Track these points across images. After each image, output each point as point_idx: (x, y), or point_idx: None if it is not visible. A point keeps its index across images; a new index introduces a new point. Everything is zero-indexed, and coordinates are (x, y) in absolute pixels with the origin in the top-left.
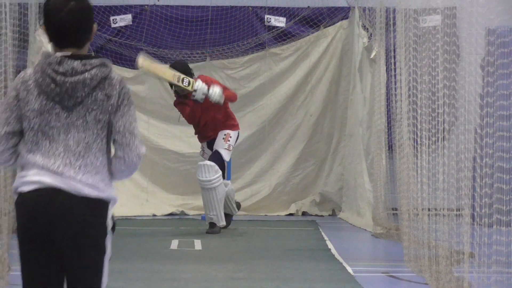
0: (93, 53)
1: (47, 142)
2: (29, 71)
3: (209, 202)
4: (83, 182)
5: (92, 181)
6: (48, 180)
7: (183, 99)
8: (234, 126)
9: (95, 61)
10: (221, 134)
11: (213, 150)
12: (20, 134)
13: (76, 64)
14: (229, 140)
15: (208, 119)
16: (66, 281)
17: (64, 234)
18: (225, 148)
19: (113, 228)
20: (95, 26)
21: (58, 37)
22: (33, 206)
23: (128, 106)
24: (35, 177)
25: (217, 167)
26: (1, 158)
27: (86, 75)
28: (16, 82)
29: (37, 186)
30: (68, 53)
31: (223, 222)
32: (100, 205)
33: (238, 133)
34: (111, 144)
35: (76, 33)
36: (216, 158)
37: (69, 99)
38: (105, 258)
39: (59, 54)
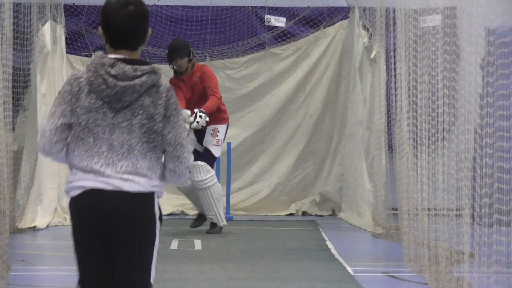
0: (147, 58)
1: (92, 139)
2: (82, 69)
3: (206, 202)
4: (124, 179)
5: (132, 178)
6: (91, 183)
7: (178, 81)
8: (223, 120)
9: (145, 68)
10: (208, 130)
11: (203, 148)
12: (71, 128)
13: (128, 68)
14: (217, 135)
15: (200, 106)
16: (117, 272)
17: (116, 229)
18: (214, 144)
19: (160, 218)
20: (149, 30)
21: (114, 39)
22: (83, 209)
23: (177, 116)
24: (80, 182)
25: (208, 167)
26: (54, 148)
27: (136, 81)
28: (70, 78)
29: (84, 189)
30: (121, 56)
31: (223, 222)
32: (144, 199)
33: (228, 126)
34: (160, 152)
35: (132, 36)
36: (207, 156)
37: (118, 101)
38: (154, 247)
39: (112, 56)
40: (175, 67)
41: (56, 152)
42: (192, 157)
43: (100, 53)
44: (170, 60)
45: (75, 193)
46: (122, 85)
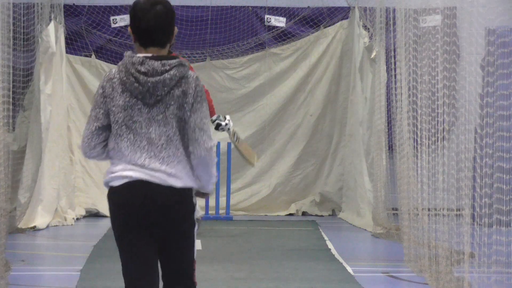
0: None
1: (131, 135)
2: (114, 70)
3: None
4: (167, 172)
5: (174, 171)
6: (135, 174)
7: None
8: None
9: (173, 62)
10: None
11: None
12: (109, 128)
13: (157, 64)
14: None
15: None
16: (162, 260)
17: (159, 219)
18: None
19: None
20: (176, 28)
21: (144, 38)
22: (126, 199)
23: (201, 103)
24: (123, 172)
25: None
26: (94, 152)
27: (166, 75)
28: (103, 80)
29: (127, 180)
30: (150, 54)
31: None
32: (185, 192)
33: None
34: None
35: (161, 34)
36: None
37: (150, 96)
38: (194, 231)
39: (141, 55)
40: None
41: (97, 155)
42: (213, 142)
43: (129, 52)
44: None
45: (117, 183)
46: (153, 80)
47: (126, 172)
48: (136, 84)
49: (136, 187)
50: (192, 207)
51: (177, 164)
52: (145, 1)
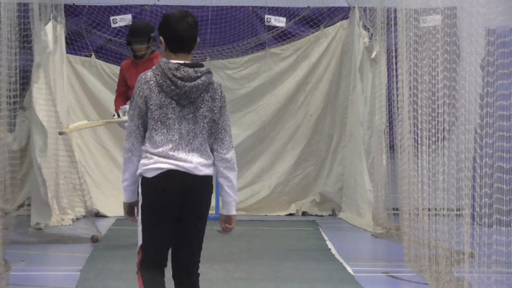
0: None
1: (165, 130)
2: (149, 73)
3: None
4: (193, 162)
5: (198, 161)
6: (166, 165)
7: (131, 66)
8: None
9: (203, 69)
10: None
11: None
12: (146, 125)
13: (191, 71)
14: None
15: None
16: (183, 234)
17: (192, 201)
18: None
19: None
20: (198, 38)
21: (175, 44)
22: (165, 187)
23: (225, 107)
24: (155, 164)
25: None
26: (136, 146)
27: (199, 81)
28: (140, 83)
29: (163, 170)
30: (182, 61)
31: None
32: (207, 180)
33: None
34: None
35: (190, 42)
36: None
37: (186, 98)
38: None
39: (174, 61)
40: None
41: (139, 149)
42: (232, 144)
43: (164, 59)
44: (128, 42)
45: (151, 174)
46: (189, 85)
47: (158, 164)
48: (173, 87)
49: (171, 176)
50: (211, 192)
51: (200, 157)
52: (177, 13)
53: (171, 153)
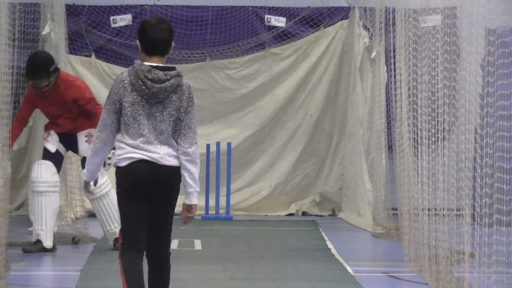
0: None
1: (137, 125)
2: (125, 73)
3: (104, 213)
4: (160, 153)
5: (165, 152)
6: (137, 155)
7: (37, 97)
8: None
9: (173, 72)
10: (81, 137)
11: (81, 158)
12: (119, 120)
13: (161, 74)
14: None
15: (69, 119)
16: (154, 217)
17: (160, 188)
18: None
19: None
20: (173, 43)
21: (149, 48)
22: (136, 174)
23: (192, 107)
24: (128, 154)
25: (102, 170)
26: (109, 131)
27: (167, 83)
28: (117, 82)
29: (131, 161)
30: (155, 64)
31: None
32: (173, 169)
33: None
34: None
35: (163, 46)
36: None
37: (154, 98)
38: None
39: (147, 63)
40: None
41: (112, 141)
42: (197, 141)
43: (138, 61)
44: (27, 78)
45: (125, 163)
46: (158, 86)
47: (130, 154)
48: (143, 87)
49: (141, 165)
50: (179, 181)
51: (168, 148)
52: (153, 19)
53: (141, 145)
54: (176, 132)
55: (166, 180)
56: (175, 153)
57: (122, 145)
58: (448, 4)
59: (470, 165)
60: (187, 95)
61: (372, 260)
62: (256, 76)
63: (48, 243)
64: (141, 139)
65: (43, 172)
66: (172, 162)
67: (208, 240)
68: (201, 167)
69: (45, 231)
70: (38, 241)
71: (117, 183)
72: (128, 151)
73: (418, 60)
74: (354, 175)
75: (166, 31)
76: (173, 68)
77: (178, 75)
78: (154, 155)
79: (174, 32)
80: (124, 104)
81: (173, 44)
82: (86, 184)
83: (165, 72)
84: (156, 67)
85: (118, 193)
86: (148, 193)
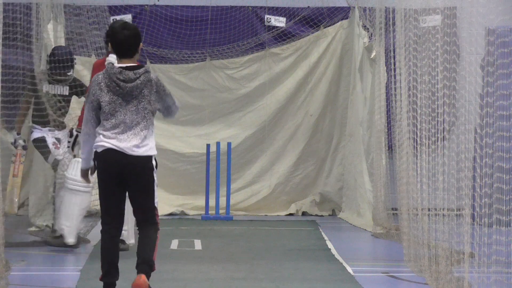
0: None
1: (114, 120)
2: (100, 76)
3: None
4: (133, 144)
5: (134, 143)
6: (110, 144)
7: None
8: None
9: (141, 70)
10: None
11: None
12: (98, 114)
13: (131, 74)
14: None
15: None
16: (133, 200)
17: (129, 174)
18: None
19: (156, 166)
20: (141, 44)
21: (117, 51)
22: (105, 160)
23: (164, 91)
24: (102, 142)
25: None
26: (90, 125)
27: (138, 81)
28: (94, 84)
29: (105, 148)
30: (124, 65)
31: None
32: (146, 158)
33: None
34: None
35: (129, 49)
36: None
37: (128, 96)
38: (155, 184)
39: (118, 65)
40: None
41: (94, 133)
42: (177, 104)
43: (110, 64)
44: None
45: (99, 149)
46: (130, 85)
47: (104, 142)
48: (117, 88)
49: (110, 153)
50: (151, 167)
51: (140, 140)
52: (118, 25)
53: (113, 135)
54: (151, 124)
55: (134, 168)
56: (144, 144)
57: (99, 134)
58: (448, 4)
59: (469, 165)
60: (156, 84)
61: (372, 260)
62: (256, 76)
63: (70, 240)
64: (116, 130)
65: (74, 169)
66: (140, 152)
67: (208, 240)
68: (201, 167)
69: (70, 227)
70: (61, 236)
71: (96, 166)
72: (101, 139)
73: (418, 60)
74: (354, 175)
75: (130, 36)
76: (141, 67)
77: (146, 71)
78: (122, 145)
79: (174, 32)
80: (102, 103)
81: (141, 45)
82: (84, 174)
83: (135, 72)
84: (126, 68)
85: (97, 177)
86: (119, 180)
